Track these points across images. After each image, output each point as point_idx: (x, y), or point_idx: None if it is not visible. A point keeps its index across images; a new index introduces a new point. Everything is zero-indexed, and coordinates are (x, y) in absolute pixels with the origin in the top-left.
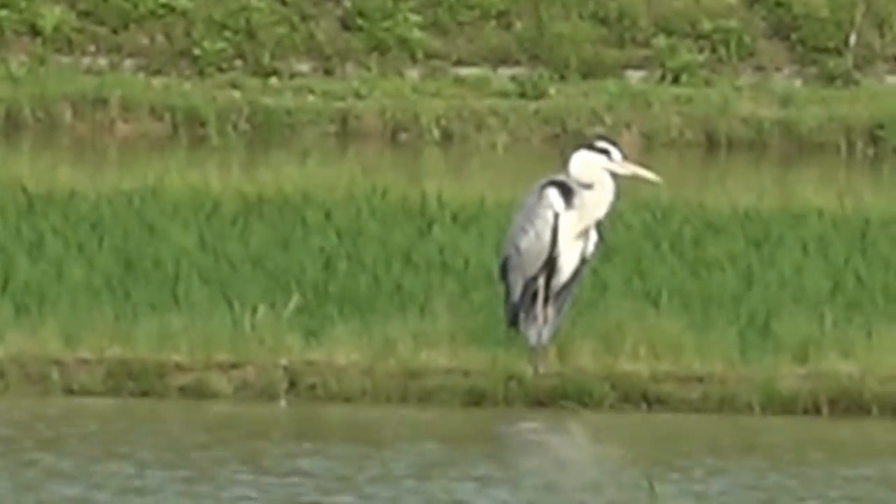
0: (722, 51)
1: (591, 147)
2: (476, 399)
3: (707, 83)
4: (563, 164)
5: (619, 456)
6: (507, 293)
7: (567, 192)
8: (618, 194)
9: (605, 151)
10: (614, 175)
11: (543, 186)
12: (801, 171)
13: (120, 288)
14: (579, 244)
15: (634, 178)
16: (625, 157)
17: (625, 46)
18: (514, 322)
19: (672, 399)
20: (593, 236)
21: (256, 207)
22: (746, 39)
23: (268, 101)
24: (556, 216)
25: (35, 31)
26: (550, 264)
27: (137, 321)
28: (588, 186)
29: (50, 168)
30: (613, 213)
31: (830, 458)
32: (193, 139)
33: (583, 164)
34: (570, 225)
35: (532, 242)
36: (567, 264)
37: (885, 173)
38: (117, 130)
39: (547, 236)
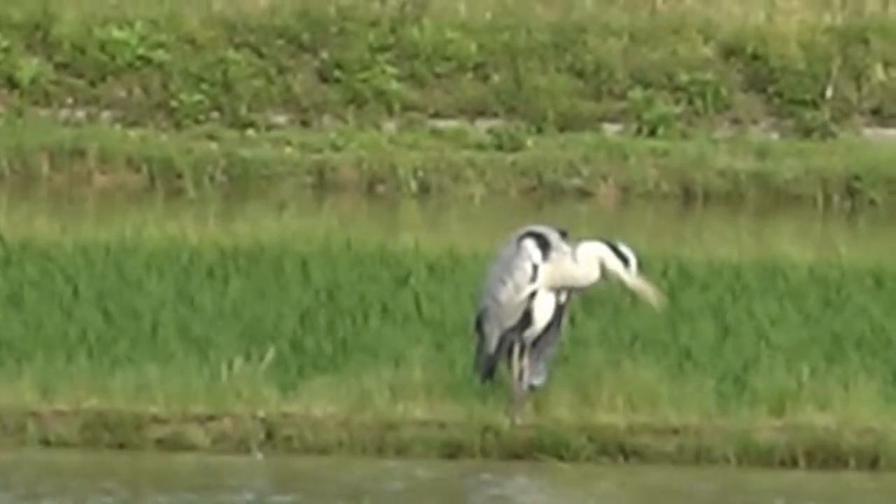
0: (698, 103)
1: (614, 249)
2: (452, 451)
3: (683, 136)
4: (579, 239)
5: None
6: (482, 345)
7: (544, 244)
8: (585, 290)
9: (625, 259)
10: (616, 280)
11: (521, 238)
12: (778, 223)
13: (97, 340)
14: (553, 296)
15: (638, 293)
16: (640, 270)
17: (601, 99)
18: (487, 374)
19: (648, 451)
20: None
21: (233, 259)
22: (723, 92)
23: (245, 152)
24: (535, 268)
25: (12, 84)
26: (526, 316)
27: (114, 373)
28: (575, 260)
29: (27, 219)
30: None
31: None
32: (170, 191)
33: (594, 255)
34: (546, 276)
35: (511, 294)
36: (542, 316)
37: (861, 225)
38: (94, 182)
39: (526, 287)
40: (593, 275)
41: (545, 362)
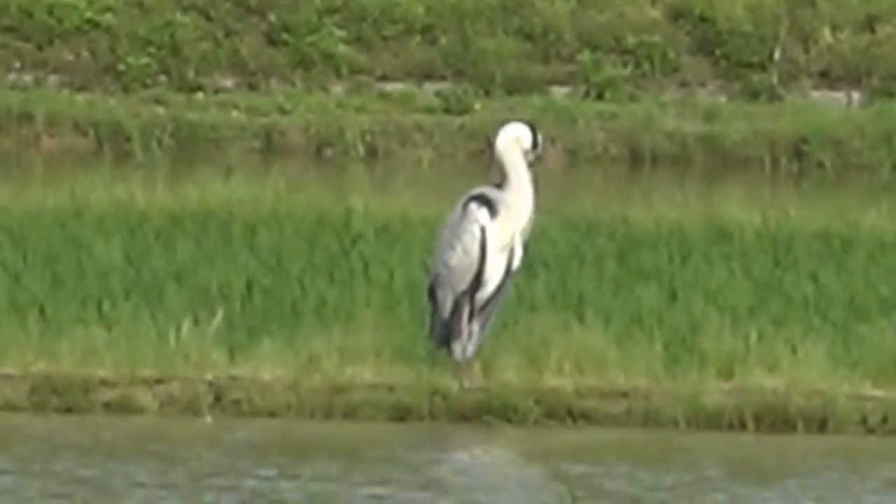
0: (646, 66)
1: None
2: (401, 414)
3: (631, 98)
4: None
5: (542, 471)
6: (436, 311)
7: (490, 204)
8: (537, 193)
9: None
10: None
11: (466, 202)
12: (726, 186)
13: (45, 303)
14: (504, 256)
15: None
16: (534, 149)
17: (549, 62)
18: (443, 340)
19: (596, 414)
20: (518, 250)
21: (181, 223)
22: (671, 54)
23: (192, 116)
24: (483, 230)
25: None
26: (477, 278)
27: (62, 337)
28: (505, 182)
29: None
30: (538, 229)
31: (755, 475)
32: (118, 154)
33: (514, 158)
34: (497, 235)
35: (461, 258)
36: (493, 277)
37: (808, 188)
38: (42, 146)
39: (475, 251)
40: (524, 178)
41: (482, 326)
